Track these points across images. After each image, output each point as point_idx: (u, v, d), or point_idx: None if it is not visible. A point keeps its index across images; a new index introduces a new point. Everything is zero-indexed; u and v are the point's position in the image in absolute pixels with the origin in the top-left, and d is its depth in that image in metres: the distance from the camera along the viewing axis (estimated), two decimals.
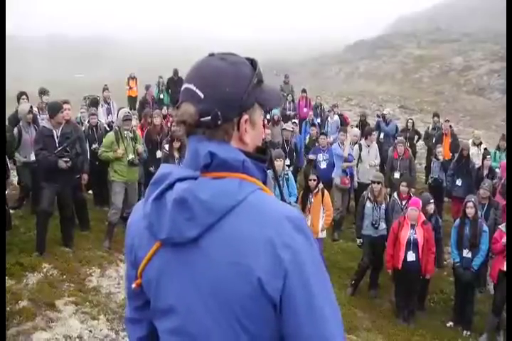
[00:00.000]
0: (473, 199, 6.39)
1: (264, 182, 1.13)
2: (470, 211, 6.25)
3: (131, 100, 16.17)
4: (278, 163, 7.05)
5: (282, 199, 1.20)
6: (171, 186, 1.07)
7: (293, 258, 1.00)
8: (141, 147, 6.60)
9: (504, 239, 5.87)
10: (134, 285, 1.14)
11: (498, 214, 7.28)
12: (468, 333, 6.08)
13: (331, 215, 7.04)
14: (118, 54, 47.05)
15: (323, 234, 6.86)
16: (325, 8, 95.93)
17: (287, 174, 7.28)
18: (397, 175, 9.13)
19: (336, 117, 12.16)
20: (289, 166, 9.11)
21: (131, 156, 6.36)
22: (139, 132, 7.44)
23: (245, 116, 1.11)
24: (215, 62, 1.12)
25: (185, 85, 1.13)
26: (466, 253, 6.18)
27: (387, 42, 40.29)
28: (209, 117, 1.07)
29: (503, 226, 6.06)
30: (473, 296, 6.26)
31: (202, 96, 1.08)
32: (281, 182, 7.08)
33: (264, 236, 1.00)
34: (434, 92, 25.41)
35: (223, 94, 1.08)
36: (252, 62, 1.16)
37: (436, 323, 6.28)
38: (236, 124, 1.11)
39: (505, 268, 5.79)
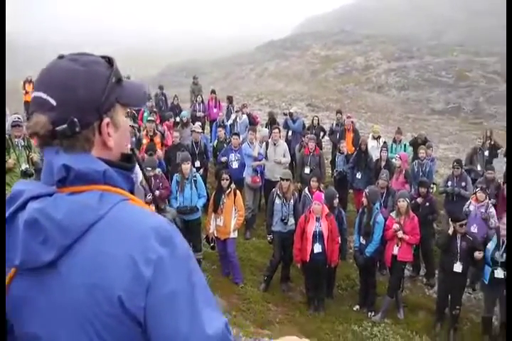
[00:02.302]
0: (366, 191, 6.85)
1: (132, 191, 1.07)
2: (364, 201, 6.72)
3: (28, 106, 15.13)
4: (185, 166, 7.06)
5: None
6: (24, 205, 0.99)
7: (155, 273, 0.94)
8: (36, 155, 6.20)
9: (395, 226, 6.39)
10: None
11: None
12: (373, 314, 6.52)
13: (243, 215, 7.14)
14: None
15: (234, 234, 6.94)
16: (237, 9, 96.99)
17: (195, 176, 7.28)
18: (307, 170, 9.48)
19: (245, 117, 12.34)
20: (199, 168, 9.14)
21: (24, 166, 5.98)
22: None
23: (106, 119, 1.04)
24: (65, 64, 1.04)
25: (34, 94, 1.04)
26: (362, 240, 6.62)
27: (296, 43, 41.68)
28: (65, 125, 0.98)
29: (393, 213, 6.58)
30: (374, 280, 6.71)
31: (54, 103, 1.00)
32: (189, 185, 7.09)
33: (126, 253, 0.94)
34: (338, 91, 26.77)
35: (78, 97, 1.00)
36: (109, 61, 1.08)
37: (345, 308, 6.67)
38: (97, 129, 1.03)
39: (396, 252, 6.32)
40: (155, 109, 12.55)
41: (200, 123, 11.76)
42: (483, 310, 6.39)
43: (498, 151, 12.29)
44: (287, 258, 6.91)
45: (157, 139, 9.49)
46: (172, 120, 11.51)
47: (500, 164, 13.12)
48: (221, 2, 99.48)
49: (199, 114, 13.67)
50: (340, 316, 6.32)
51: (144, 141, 9.47)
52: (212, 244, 6.97)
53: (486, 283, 6.20)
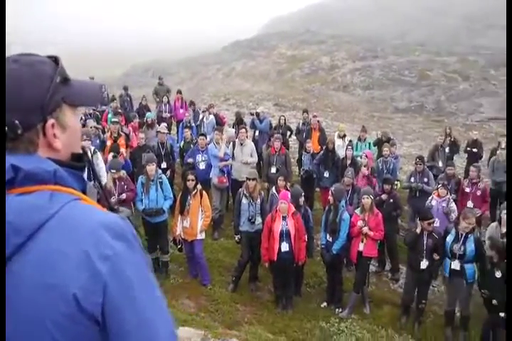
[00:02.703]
0: (332, 189, 6.95)
1: (84, 191, 1.06)
2: (330, 199, 6.81)
3: None
4: (150, 168, 6.97)
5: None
6: None
7: (112, 269, 0.93)
8: None
9: (360, 223, 6.51)
10: None
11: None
12: (340, 310, 6.63)
13: (209, 216, 7.11)
14: None
15: (202, 236, 6.90)
16: (203, 9, 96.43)
17: (161, 178, 7.21)
18: (273, 170, 9.53)
19: (211, 117, 12.30)
20: (165, 169, 9.05)
21: None
22: None
23: (51, 121, 1.02)
24: (7, 65, 1.02)
25: None
26: (329, 238, 6.71)
27: (262, 42, 41.84)
28: (5, 129, 0.96)
29: (357, 210, 6.70)
30: (341, 276, 6.82)
31: None
32: (155, 187, 7.00)
33: (79, 251, 0.93)
34: (305, 90, 27.03)
35: (20, 98, 0.98)
36: (55, 60, 1.07)
37: (313, 306, 6.75)
38: (41, 131, 1.01)
39: (361, 249, 6.44)
40: (120, 110, 12.35)
41: (166, 124, 11.64)
42: (446, 304, 6.59)
43: (459, 147, 12.73)
44: (255, 258, 6.92)
45: (121, 141, 9.32)
46: (137, 121, 11.35)
47: (461, 160, 13.60)
48: (187, 2, 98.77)
49: (165, 114, 13.55)
50: (309, 313, 6.39)
51: (108, 143, 9.30)
52: (179, 246, 6.91)
53: (447, 275, 6.39)
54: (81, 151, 1.12)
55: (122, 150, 9.02)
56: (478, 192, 8.63)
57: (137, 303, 0.95)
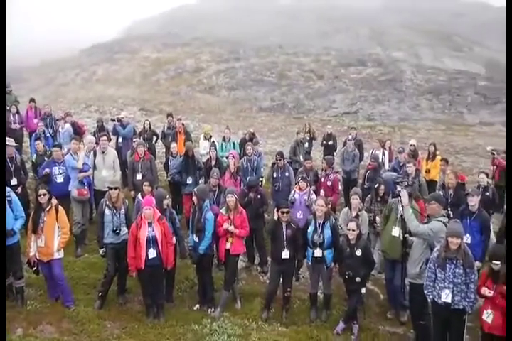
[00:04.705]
0: (195, 189, 7.01)
1: None
2: (194, 199, 6.87)
3: None
4: None
5: None
6: None
7: None
8: None
9: (225, 224, 6.65)
10: None
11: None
12: (213, 310, 6.71)
13: (67, 233, 6.59)
14: None
15: (59, 254, 6.40)
16: (57, 11, 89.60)
17: (9, 196, 6.54)
18: (139, 176, 9.29)
19: (68, 126, 11.54)
20: (16, 186, 8.26)
21: None
22: None
23: None
24: None
25: None
26: (196, 238, 6.76)
27: (125, 45, 40.46)
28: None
29: (223, 210, 6.85)
30: (211, 276, 6.91)
31: None
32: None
33: None
34: (171, 93, 26.86)
35: None
36: None
37: (185, 310, 6.72)
38: None
39: (229, 247, 6.60)
40: None
41: (14, 137, 10.60)
42: (309, 287, 7.08)
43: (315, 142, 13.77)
44: (122, 269, 6.67)
45: None
46: None
47: (319, 153, 14.72)
48: (41, 2, 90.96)
49: (14, 126, 12.33)
50: (181, 318, 6.34)
51: None
52: (34, 268, 6.35)
53: (310, 263, 6.86)
54: None
55: None
56: (329, 183, 9.41)
57: None
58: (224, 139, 11.82)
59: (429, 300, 5.53)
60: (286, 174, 9.64)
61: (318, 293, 7.04)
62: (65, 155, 8.88)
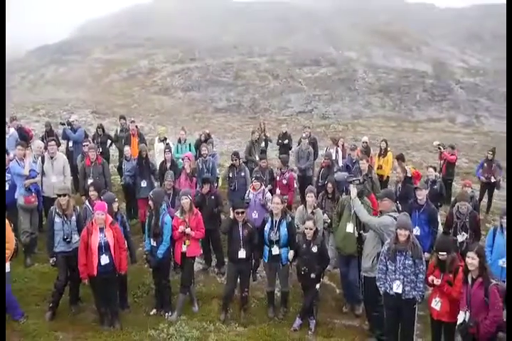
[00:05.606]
0: (150, 193, 6.89)
1: None
2: (150, 203, 6.74)
3: None
4: None
5: None
6: None
7: None
8: None
9: (181, 227, 6.58)
10: None
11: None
12: (170, 314, 6.62)
13: (10, 248, 6.24)
14: None
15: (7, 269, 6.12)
16: (7, 10, 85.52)
17: None
18: (90, 181, 9.04)
19: (12, 131, 11.08)
20: None
21: None
22: None
23: None
24: None
25: None
26: (153, 243, 6.65)
27: (74, 46, 39.26)
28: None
29: (177, 213, 6.77)
30: (168, 280, 6.81)
31: None
32: None
33: None
34: (124, 95, 26.31)
35: None
36: None
37: (141, 316, 6.59)
38: None
39: (185, 250, 6.54)
40: None
41: None
42: (267, 285, 7.12)
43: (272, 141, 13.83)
44: (75, 278, 6.46)
45: None
46: None
47: (275, 152, 14.82)
48: None
49: None
50: (137, 324, 6.21)
51: None
52: None
53: (266, 261, 6.89)
54: None
55: None
56: (284, 181, 9.52)
57: None
58: (179, 141, 11.69)
59: (381, 292, 5.69)
60: (242, 174, 9.68)
61: (276, 291, 7.09)
62: (9, 161, 8.52)
